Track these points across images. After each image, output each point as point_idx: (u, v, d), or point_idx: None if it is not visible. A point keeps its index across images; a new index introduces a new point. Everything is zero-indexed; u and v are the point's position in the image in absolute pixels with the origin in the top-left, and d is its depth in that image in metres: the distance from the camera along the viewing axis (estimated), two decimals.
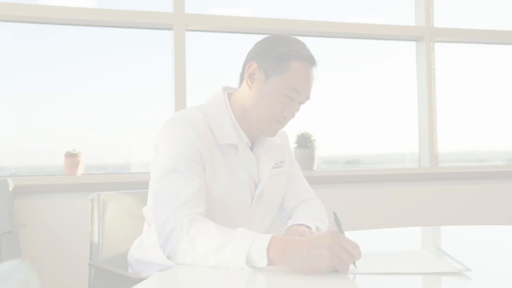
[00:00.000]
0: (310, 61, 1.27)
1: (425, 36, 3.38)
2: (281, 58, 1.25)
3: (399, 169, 3.35)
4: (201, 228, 1.09)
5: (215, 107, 1.33)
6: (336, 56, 3.50)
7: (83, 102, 3.00)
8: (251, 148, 1.38)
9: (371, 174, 3.16)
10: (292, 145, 3.07)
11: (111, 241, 1.60)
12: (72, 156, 2.72)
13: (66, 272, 2.51)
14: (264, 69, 1.27)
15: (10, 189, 2.40)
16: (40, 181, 2.64)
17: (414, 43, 3.49)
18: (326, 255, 0.96)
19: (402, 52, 3.61)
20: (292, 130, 3.08)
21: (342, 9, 3.47)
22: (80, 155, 2.75)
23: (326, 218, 1.49)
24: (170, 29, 2.92)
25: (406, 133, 3.53)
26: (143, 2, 3.02)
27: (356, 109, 3.47)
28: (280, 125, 1.31)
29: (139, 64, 3.10)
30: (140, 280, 1.01)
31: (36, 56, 2.98)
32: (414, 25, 3.45)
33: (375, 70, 3.54)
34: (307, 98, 1.31)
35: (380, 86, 3.54)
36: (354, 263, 0.99)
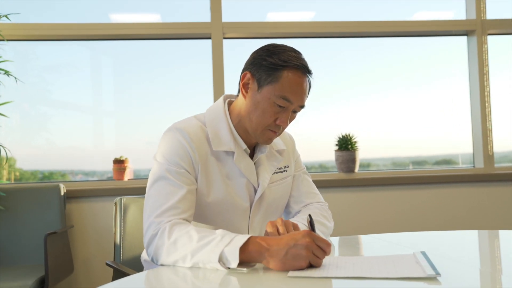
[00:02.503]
0: (302, 70, 1.27)
1: (476, 29, 3.20)
2: (272, 68, 1.26)
3: (452, 171, 3.19)
4: (182, 231, 1.14)
5: (215, 115, 1.37)
6: (383, 56, 3.42)
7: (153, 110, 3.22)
8: (252, 154, 1.41)
9: (422, 176, 3.04)
10: (333, 147, 3.05)
11: (131, 243, 1.70)
12: (119, 163, 2.90)
13: (104, 270, 2.67)
14: (257, 78, 1.29)
15: (62, 193, 2.62)
16: (88, 186, 2.84)
17: (465, 37, 3.32)
18: (304, 254, 1.01)
19: (452, 48, 3.45)
20: (333, 132, 3.06)
21: (381, 8, 3.38)
22: (127, 161, 2.92)
23: (329, 220, 1.46)
24: (208, 38, 3.02)
25: (459, 133, 3.36)
26: (186, 13, 3.17)
27: (405, 109, 3.36)
28: (274, 133, 1.32)
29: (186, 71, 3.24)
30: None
31: (109, 69, 3.28)
32: (465, 19, 3.28)
33: (423, 68, 3.42)
34: (301, 106, 1.31)
35: (430, 85, 3.40)
36: None
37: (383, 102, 3.36)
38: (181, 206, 1.22)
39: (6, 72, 2.60)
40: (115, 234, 1.73)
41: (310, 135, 3.26)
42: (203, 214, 1.33)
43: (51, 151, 3.24)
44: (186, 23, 2.98)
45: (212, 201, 1.32)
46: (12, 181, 3.21)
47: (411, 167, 3.37)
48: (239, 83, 1.36)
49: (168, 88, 3.25)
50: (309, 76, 1.32)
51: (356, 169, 3.02)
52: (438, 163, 3.44)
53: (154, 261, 1.18)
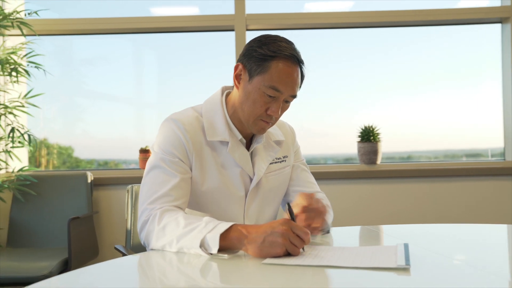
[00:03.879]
0: (292, 60, 1.28)
1: (511, 16, 3.07)
2: (262, 59, 1.28)
3: (480, 163, 3.10)
4: (171, 217, 1.19)
5: (211, 106, 1.41)
6: (410, 46, 3.34)
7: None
8: (249, 145, 1.43)
9: (447, 168, 2.97)
10: (355, 138, 3.02)
11: None
12: (144, 152, 3.00)
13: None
14: (248, 69, 1.31)
15: (89, 181, 2.75)
16: (113, 174, 2.96)
17: (499, 25, 3.19)
18: (280, 241, 1.03)
19: (484, 37, 3.32)
20: (356, 123, 3.03)
21: None
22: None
23: (331, 209, 1.48)
24: (231, 30, 3.05)
25: (489, 126, 3.25)
26: (223, 5, 3.21)
27: (436, 101, 3.28)
28: (266, 123, 1.34)
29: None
30: None
31: (152, 61, 3.40)
32: (500, 5, 3.15)
33: (455, 57, 3.31)
34: (293, 96, 1.32)
35: (461, 76, 3.30)
36: (303, 248, 1.08)
37: (414, 95, 3.29)
38: (174, 194, 1.27)
39: (37, 66, 2.74)
40: (126, 220, 1.80)
41: (345, 127, 3.25)
42: (198, 202, 1.38)
43: (99, 141, 3.41)
44: (210, 15, 3.03)
45: (207, 190, 1.36)
46: (51, 169, 3.40)
47: (464, 159, 3.28)
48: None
49: (202, 80, 3.33)
50: (301, 66, 1.33)
51: (379, 161, 2.99)
52: (466, 156, 3.34)
53: (145, 245, 1.24)
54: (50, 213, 2.71)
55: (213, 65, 3.31)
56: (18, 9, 2.76)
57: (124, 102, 3.44)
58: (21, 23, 2.71)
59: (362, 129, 3.00)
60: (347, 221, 2.90)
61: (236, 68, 1.35)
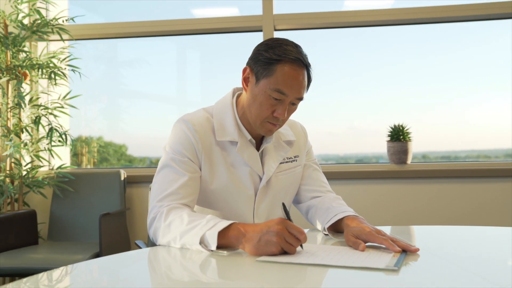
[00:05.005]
0: (297, 63, 1.31)
1: None
2: (267, 62, 1.31)
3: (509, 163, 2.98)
4: (176, 214, 1.24)
5: (222, 107, 1.46)
6: (441, 42, 3.26)
7: None
8: (260, 145, 1.47)
9: (479, 169, 2.88)
10: (385, 138, 2.99)
11: None
12: None
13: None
14: (255, 72, 1.35)
15: (122, 178, 2.87)
16: (145, 172, 3.07)
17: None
18: (275, 240, 1.07)
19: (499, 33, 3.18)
20: (385, 122, 3.00)
21: None
22: None
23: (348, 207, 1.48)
24: (259, 30, 3.09)
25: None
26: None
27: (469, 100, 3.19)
28: (273, 125, 1.37)
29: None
30: None
31: (195, 61, 3.52)
32: None
33: (492, 55, 3.20)
34: (299, 98, 1.34)
35: (498, 73, 3.18)
36: (301, 246, 1.11)
37: (449, 93, 3.21)
38: (182, 192, 1.32)
39: (74, 69, 2.89)
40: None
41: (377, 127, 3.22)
42: (208, 200, 1.43)
43: (152, 140, 3.57)
44: (238, 16, 3.08)
45: (215, 188, 1.40)
46: (92, 166, 3.57)
47: (502, 159, 3.18)
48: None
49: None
50: (308, 69, 1.35)
51: (409, 161, 2.94)
52: (505, 156, 3.22)
53: (153, 241, 1.30)
54: (85, 208, 2.85)
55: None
56: (61, 15, 2.92)
57: (167, 101, 3.56)
58: (60, 29, 2.86)
59: (391, 128, 2.96)
60: (376, 220, 2.88)
61: (244, 71, 1.39)
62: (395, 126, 2.95)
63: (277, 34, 3.08)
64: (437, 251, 1.15)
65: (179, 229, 1.20)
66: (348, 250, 1.13)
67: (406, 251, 1.10)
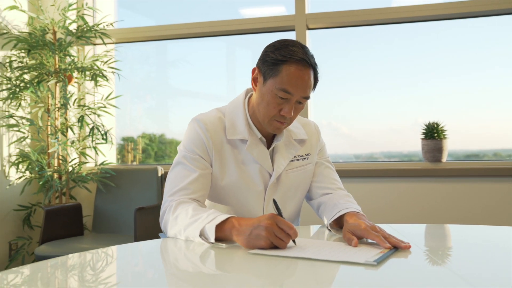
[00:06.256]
0: (302, 64, 1.35)
1: None
2: (273, 63, 1.37)
3: None
4: (183, 208, 1.33)
5: (234, 107, 1.53)
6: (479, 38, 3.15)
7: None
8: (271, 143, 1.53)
9: None
10: (419, 135, 2.94)
11: None
12: None
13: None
14: (262, 73, 1.41)
15: (159, 175, 3.01)
16: None
17: None
18: (264, 234, 1.12)
19: None
20: (420, 120, 2.95)
21: None
22: None
23: (357, 204, 1.50)
24: (292, 30, 3.13)
25: None
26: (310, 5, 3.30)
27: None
28: (280, 123, 1.42)
29: None
30: None
31: (244, 60, 3.62)
32: None
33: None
34: (305, 97, 1.39)
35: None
36: (294, 241, 1.15)
37: (487, 90, 3.11)
38: (192, 187, 1.40)
39: (113, 71, 3.06)
40: None
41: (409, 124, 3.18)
42: (219, 195, 1.50)
43: None
44: (271, 17, 3.14)
45: (226, 184, 1.48)
46: (137, 163, 3.76)
47: None
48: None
49: None
50: (315, 69, 1.39)
51: (444, 159, 2.88)
52: None
53: (164, 233, 1.39)
54: (125, 203, 3.02)
55: None
56: (105, 20, 3.10)
57: (218, 100, 3.67)
58: (102, 34, 3.04)
59: (425, 125, 2.91)
60: (410, 218, 2.85)
61: (253, 71, 1.45)
62: (429, 123, 2.90)
63: (310, 33, 3.11)
64: (441, 250, 1.16)
65: (184, 222, 1.28)
66: (340, 246, 1.16)
67: (397, 248, 1.12)
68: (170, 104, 3.87)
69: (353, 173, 2.89)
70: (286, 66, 1.35)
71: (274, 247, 1.13)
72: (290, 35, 3.16)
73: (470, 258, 1.10)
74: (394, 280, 0.91)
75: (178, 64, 3.72)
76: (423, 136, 2.92)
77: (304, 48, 1.39)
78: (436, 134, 2.86)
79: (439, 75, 3.18)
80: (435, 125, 2.88)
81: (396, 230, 1.41)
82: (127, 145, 3.89)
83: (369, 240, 1.21)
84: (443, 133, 2.87)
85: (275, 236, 1.12)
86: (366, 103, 3.29)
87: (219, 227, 1.20)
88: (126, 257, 1.21)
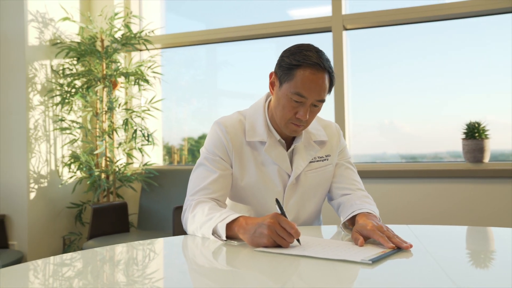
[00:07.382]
0: (316, 68, 1.39)
1: None
2: (288, 68, 1.41)
3: None
4: (200, 208, 1.40)
5: (254, 110, 1.59)
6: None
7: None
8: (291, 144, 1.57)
9: None
10: (460, 135, 2.87)
11: None
12: None
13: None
14: (279, 77, 1.46)
15: None
16: None
17: None
18: (266, 233, 1.17)
19: None
20: (461, 119, 2.88)
21: None
22: None
23: (374, 205, 1.51)
24: (329, 31, 3.14)
25: None
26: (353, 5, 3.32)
27: None
28: (297, 126, 1.46)
29: None
30: None
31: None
32: None
33: None
34: (320, 100, 1.42)
35: None
36: (298, 241, 1.19)
37: None
38: (212, 188, 1.48)
39: (155, 75, 3.20)
40: None
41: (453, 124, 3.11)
42: (239, 195, 1.57)
43: None
44: (307, 19, 3.16)
45: (246, 185, 1.54)
46: (175, 164, 3.91)
47: None
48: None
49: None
50: (330, 73, 1.42)
51: (486, 159, 2.79)
52: None
53: (185, 230, 1.48)
54: (167, 201, 3.16)
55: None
56: (150, 27, 3.25)
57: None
58: (145, 41, 3.20)
59: (466, 125, 2.83)
60: (450, 220, 2.78)
61: (270, 76, 1.51)
62: (470, 123, 2.81)
63: (347, 34, 3.11)
64: (450, 251, 1.16)
65: (200, 221, 1.36)
66: (347, 245, 1.19)
67: (400, 248, 1.14)
68: (217, 105, 3.98)
69: (395, 173, 2.87)
70: (300, 70, 1.39)
71: (278, 245, 1.17)
72: (327, 36, 3.17)
73: (498, 263, 1.09)
74: (385, 279, 0.94)
75: (226, 66, 3.81)
76: (463, 136, 2.84)
77: (318, 53, 1.43)
78: (477, 134, 2.77)
79: (487, 73, 3.07)
80: (476, 125, 2.79)
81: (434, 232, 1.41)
82: (173, 146, 4.05)
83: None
84: (485, 133, 2.78)
85: (277, 234, 1.16)
86: (409, 102, 3.23)
87: (230, 226, 1.26)
88: (160, 251, 1.30)
